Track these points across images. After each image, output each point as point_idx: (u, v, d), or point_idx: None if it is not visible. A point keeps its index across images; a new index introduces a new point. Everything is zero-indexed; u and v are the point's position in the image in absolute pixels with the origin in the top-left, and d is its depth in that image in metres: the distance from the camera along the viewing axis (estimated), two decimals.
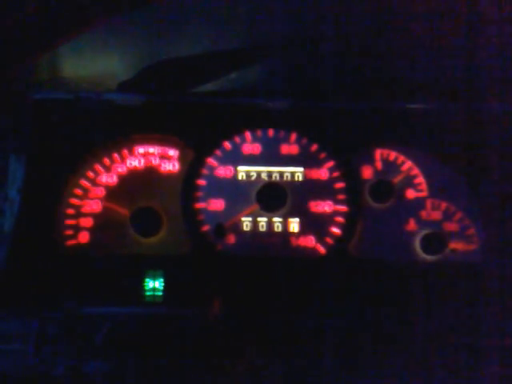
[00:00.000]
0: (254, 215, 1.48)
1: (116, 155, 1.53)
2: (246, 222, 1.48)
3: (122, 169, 1.53)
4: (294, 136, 1.53)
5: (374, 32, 1.22)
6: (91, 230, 1.48)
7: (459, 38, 1.22)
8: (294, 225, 1.48)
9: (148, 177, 1.52)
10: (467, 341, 1.27)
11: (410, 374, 1.23)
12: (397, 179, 1.52)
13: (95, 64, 1.42)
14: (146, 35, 1.31)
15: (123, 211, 1.48)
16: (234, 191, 1.50)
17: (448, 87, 1.44)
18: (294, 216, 1.48)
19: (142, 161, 1.53)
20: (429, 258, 1.45)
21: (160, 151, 1.54)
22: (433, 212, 1.49)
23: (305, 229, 1.48)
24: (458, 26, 1.15)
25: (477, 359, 1.23)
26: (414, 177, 1.52)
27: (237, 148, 1.53)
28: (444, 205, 1.49)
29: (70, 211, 1.49)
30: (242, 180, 1.51)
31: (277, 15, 1.26)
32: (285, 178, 1.51)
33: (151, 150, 1.54)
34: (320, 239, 1.47)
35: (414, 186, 1.52)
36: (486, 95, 1.40)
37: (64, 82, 1.46)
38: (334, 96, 1.50)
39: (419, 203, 1.50)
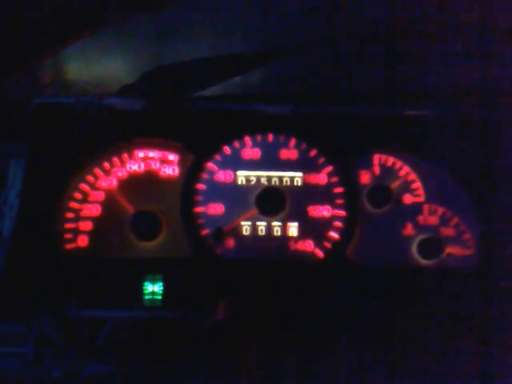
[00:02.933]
0: (254, 219, 1.49)
1: (116, 159, 1.54)
2: (246, 226, 1.49)
3: (121, 173, 1.53)
4: (293, 141, 1.54)
5: (375, 39, 1.24)
6: (90, 234, 1.48)
7: (462, 47, 1.24)
8: (293, 229, 1.49)
9: (148, 181, 1.52)
10: (464, 345, 1.28)
11: (407, 378, 1.23)
12: (394, 184, 1.53)
13: (98, 68, 1.42)
14: (150, 39, 1.31)
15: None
16: (234, 195, 1.51)
17: (447, 94, 1.46)
18: (292, 220, 1.49)
19: (142, 165, 1.54)
20: (425, 262, 1.46)
21: (160, 155, 1.55)
22: (430, 217, 1.51)
23: (303, 233, 1.49)
24: (457, 34, 1.17)
25: (474, 362, 1.24)
26: (411, 182, 1.54)
27: (236, 153, 1.54)
28: (441, 210, 1.51)
29: (70, 215, 1.49)
30: (241, 184, 1.52)
31: (277, 22, 1.27)
32: (284, 183, 1.52)
33: (151, 154, 1.55)
34: (318, 243, 1.48)
35: (411, 191, 1.53)
36: (483, 102, 1.42)
37: (66, 86, 1.47)
38: (333, 102, 1.51)
39: (416, 208, 1.52)
